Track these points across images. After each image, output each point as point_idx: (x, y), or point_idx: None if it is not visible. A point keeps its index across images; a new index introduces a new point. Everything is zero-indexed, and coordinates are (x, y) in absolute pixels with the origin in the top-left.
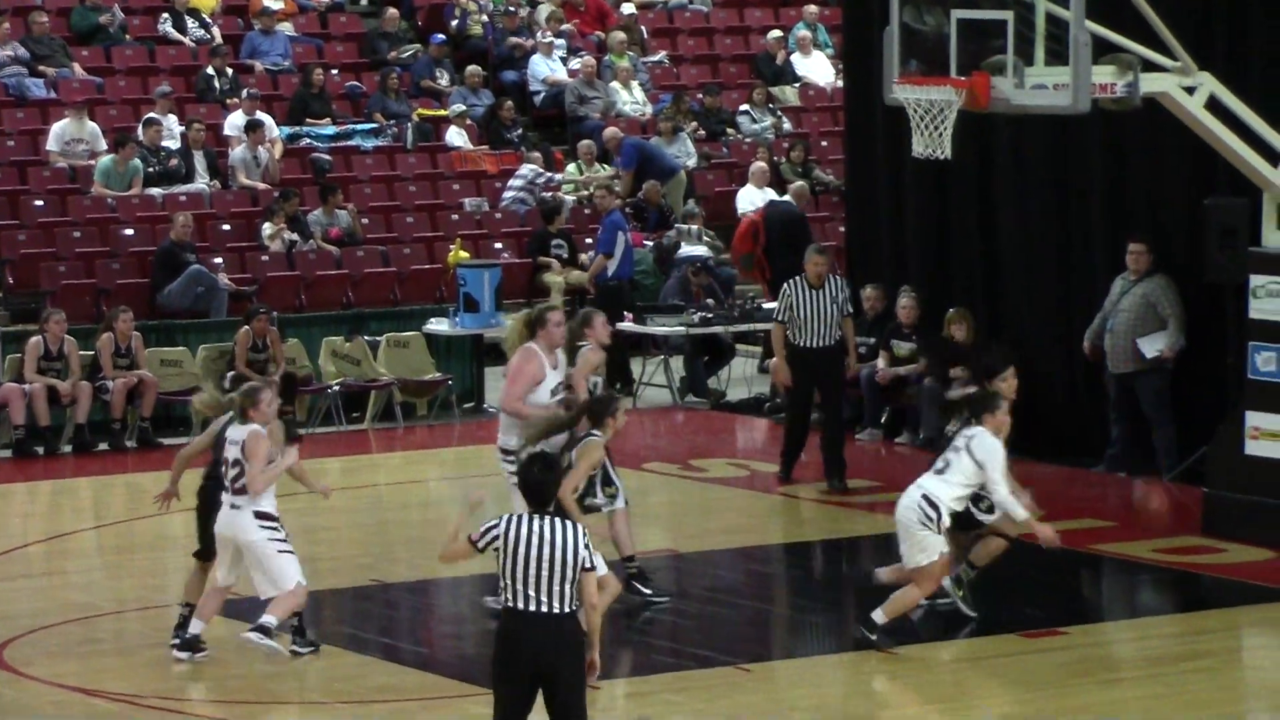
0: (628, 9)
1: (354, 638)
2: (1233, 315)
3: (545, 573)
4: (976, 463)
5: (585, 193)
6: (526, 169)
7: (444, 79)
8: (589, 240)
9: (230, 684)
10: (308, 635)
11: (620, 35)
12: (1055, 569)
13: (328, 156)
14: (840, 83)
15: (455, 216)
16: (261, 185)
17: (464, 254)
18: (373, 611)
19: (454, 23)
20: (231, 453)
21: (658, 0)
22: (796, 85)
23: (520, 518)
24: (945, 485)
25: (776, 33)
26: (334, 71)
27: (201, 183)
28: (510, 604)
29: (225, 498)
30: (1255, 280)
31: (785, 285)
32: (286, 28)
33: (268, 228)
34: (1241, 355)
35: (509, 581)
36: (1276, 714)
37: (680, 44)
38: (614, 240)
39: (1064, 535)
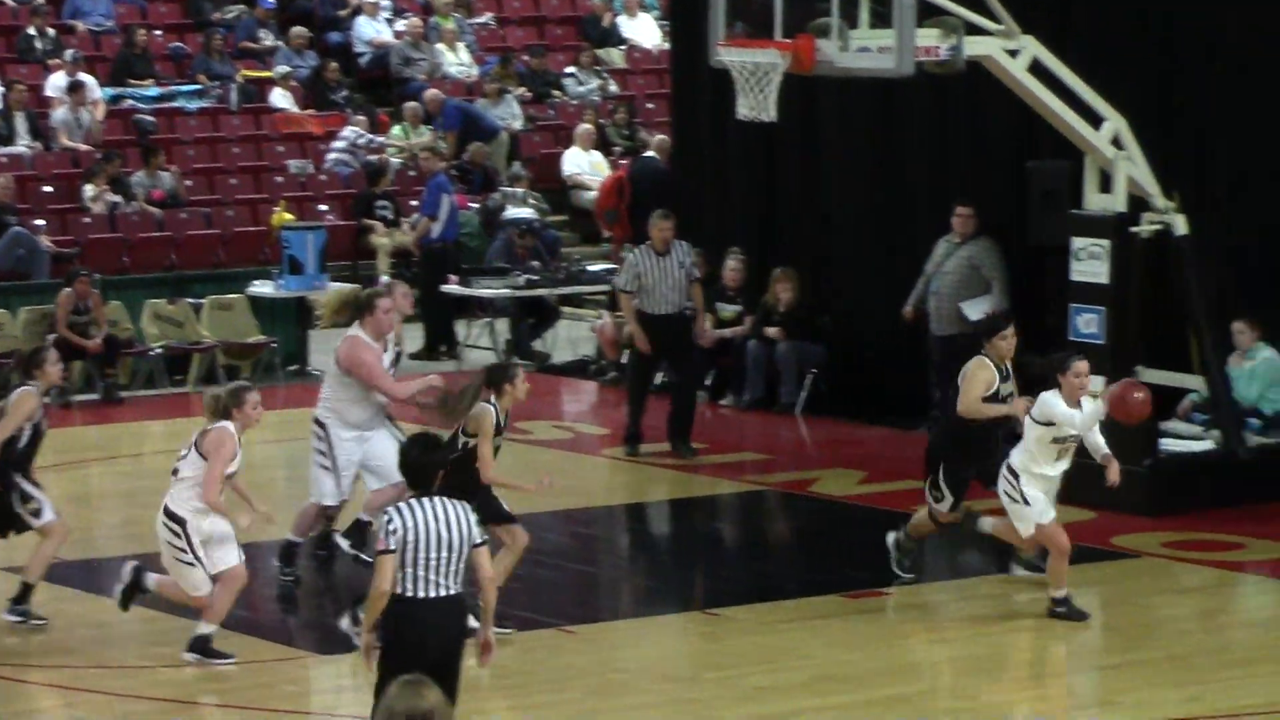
0: None
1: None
2: (1054, 277)
3: (445, 555)
4: (1039, 423)
5: (410, 155)
6: (349, 131)
7: (269, 40)
8: (414, 203)
9: (52, 648)
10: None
11: None
12: (879, 530)
13: (151, 118)
14: (666, 45)
15: (279, 179)
16: (84, 147)
17: (288, 216)
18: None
19: None
20: (189, 440)
21: None
22: (622, 48)
23: (411, 505)
24: (1018, 451)
25: None
26: (157, 32)
27: (23, 144)
28: (409, 592)
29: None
30: (1076, 243)
31: (631, 254)
32: None
33: (90, 189)
34: (1063, 317)
35: (409, 569)
36: (1093, 672)
37: (506, 6)
38: (439, 202)
39: (888, 497)
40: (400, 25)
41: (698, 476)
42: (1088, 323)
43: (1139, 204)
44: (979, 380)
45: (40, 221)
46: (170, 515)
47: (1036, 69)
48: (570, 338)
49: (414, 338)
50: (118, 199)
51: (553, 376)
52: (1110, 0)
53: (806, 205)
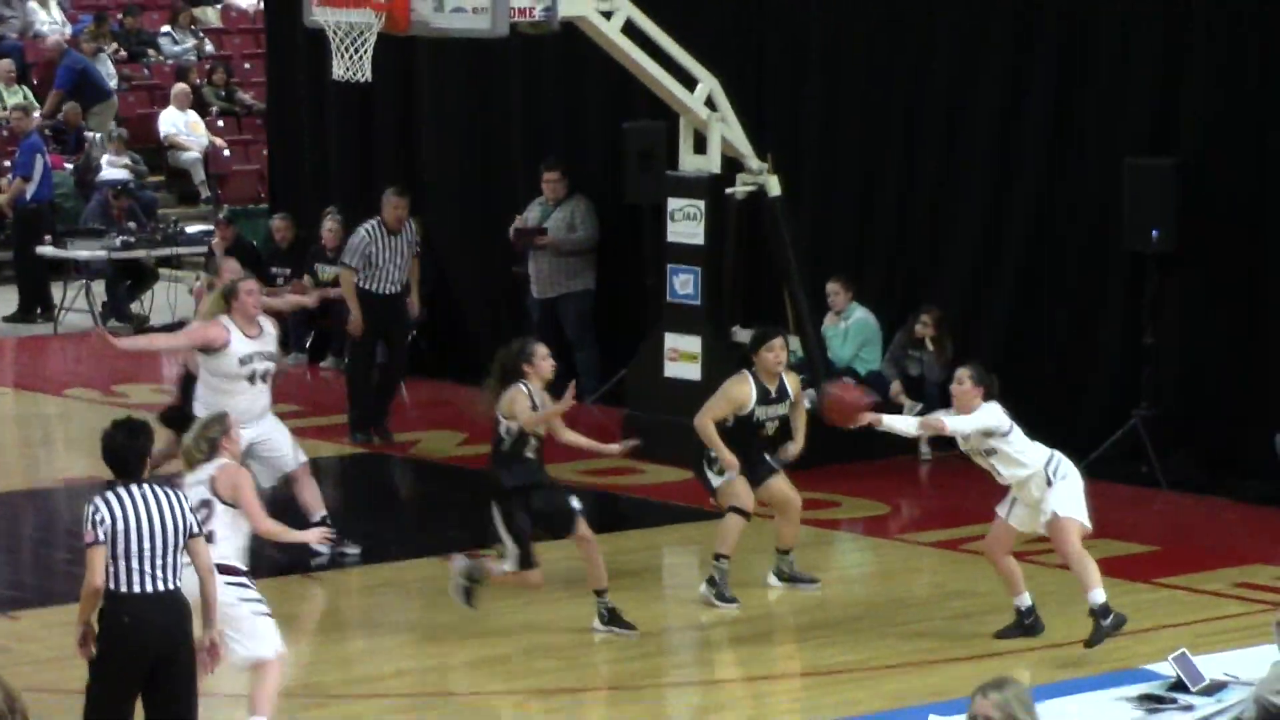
0: None
1: None
2: (650, 238)
3: (157, 545)
4: None
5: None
6: None
7: None
8: (7, 164)
9: None
10: None
11: None
12: (479, 492)
13: None
14: (261, 5)
15: None
16: None
17: None
18: None
19: None
20: (197, 494)
21: None
22: (218, 7)
23: (117, 493)
24: None
25: None
26: None
27: None
28: (118, 587)
29: None
30: (673, 204)
31: (361, 230)
32: None
33: None
34: (661, 278)
35: (118, 562)
36: (692, 630)
37: None
38: (32, 163)
39: (481, 460)
40: None
41: (303, 440)
42: (684, 284)
43: (733, 165)
44: (728, 398)
45: None
46: (230, 571)
47: (630, 30)
48: (169, 300)
49: (9, 301)
50: None
51: None
52: None
53: (404, 166)
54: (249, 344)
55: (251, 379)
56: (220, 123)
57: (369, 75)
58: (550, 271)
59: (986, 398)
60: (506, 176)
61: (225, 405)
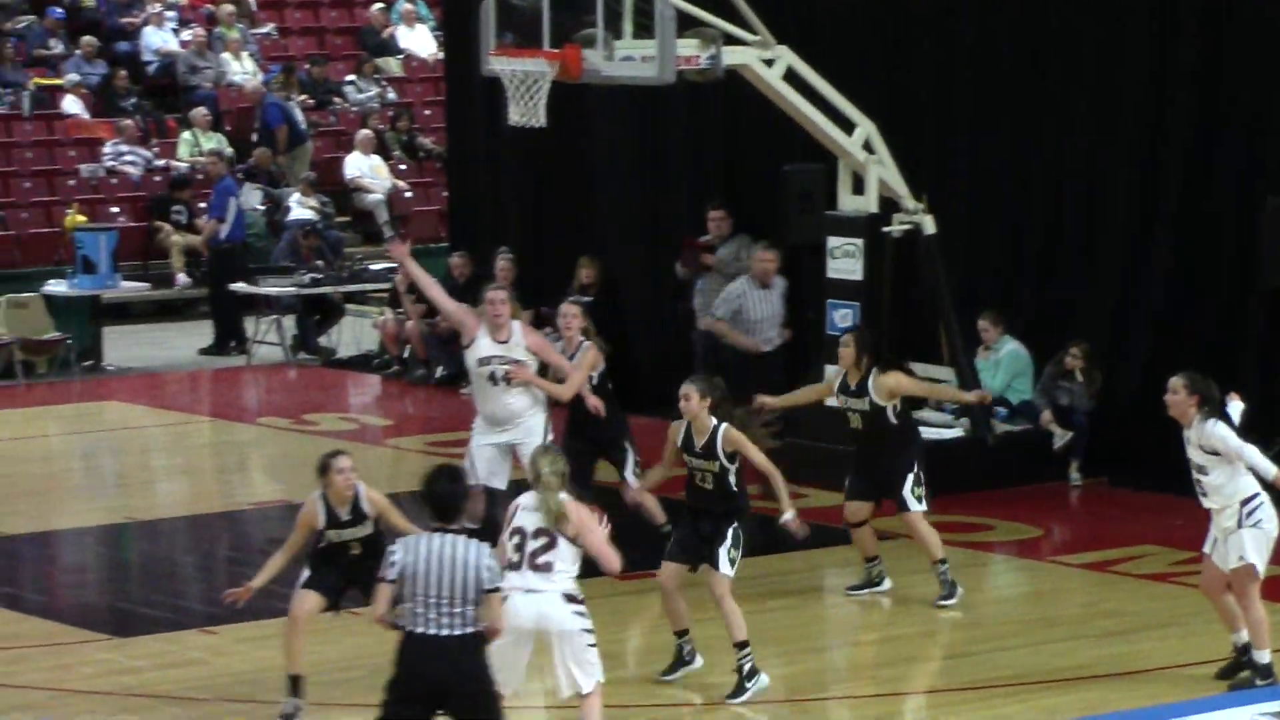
0: None
1: None
2: (811, 275)
3: (446, 594)
4: None
5: (199, 159)
6: (127, 136)
7: (59, 49)
8: (203, 205)
9: None
10: None
11: (229, 7)
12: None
13: None
14: (441, 54)
15: (72, 182)
16: None
17: (81, 218)
18: None
19: None
20: (529, 521)
21: None
22: (400, 57)
23: (421, 539)
24: None
25: (380, 6)
26: None
27: None
28: (410, 626)
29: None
30: (832, 242)
31: (735, 284)
32: None
33: None
34: (821, 312)
35: (410, 603)
36: (850, 647)
37: (288, 17)
38: (226, 205)
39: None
40: (186, 35)
41: None
42: (843, 317)
43: (890, 205)
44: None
45: None
46: (573, 599)
47: (791, 77)
48: (355, 334)
49: (205, 334)
50: None
51: (338, 370)
52: (855, 10)
53: (574, 206)
54: (492, 347)
55: (492, 379)
56: (402, 166)
57: (543, 121)
58: (713, 305)
59: (1202, 406)
60: (673, 216)
61: (480, 404)
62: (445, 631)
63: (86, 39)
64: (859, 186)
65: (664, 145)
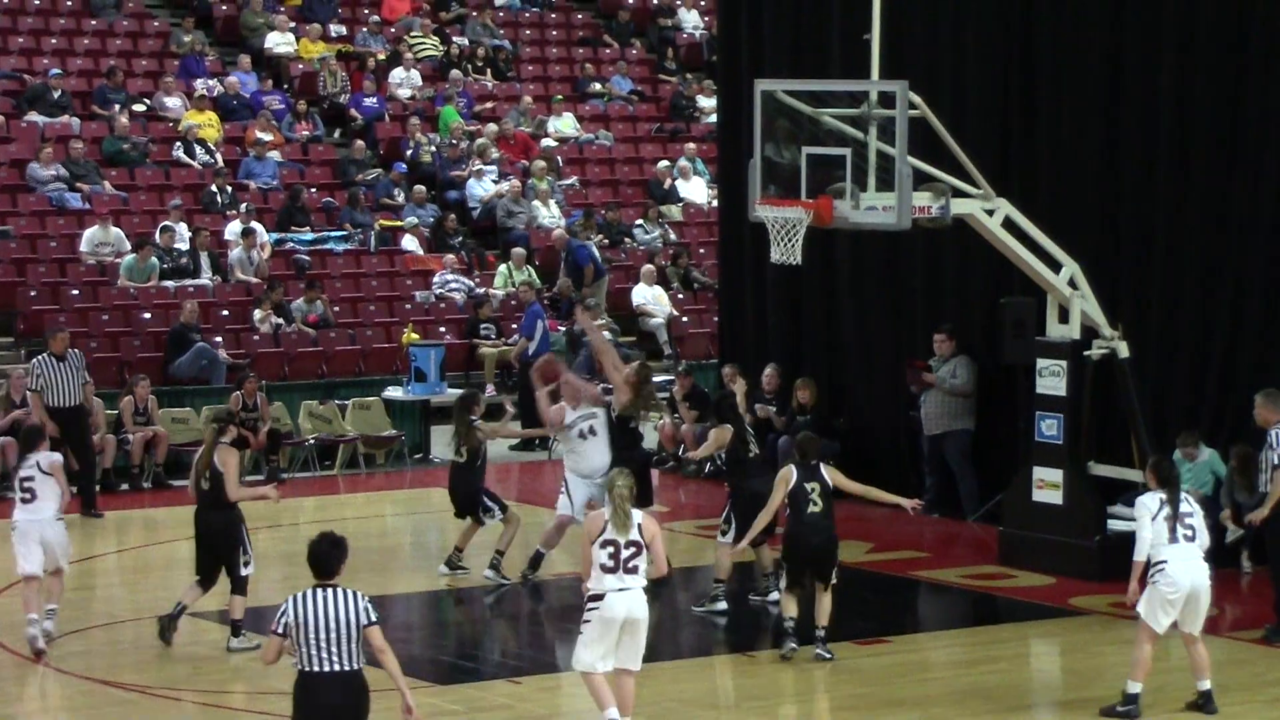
0: (548, 143)
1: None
2: (1023, 390)
3: (333, 636)
4: None
5: (512, 289)
6: (453, 268)
7: (400, 197)
8: (514, 325)
9: (221, 677)
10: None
11: (541, 163)
12: (882, 590)
13: (307, 257)
14: (715, 203)
15: (408, 306)
16: (254, 279)
17: (415, 336)
18: None
19: (409, 152)
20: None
21: (571, 136)
22: (680, 204)
23: (305, 594)
24: None
25: (665, 163)
26: (313, 190)
27: (206, 278)
28: (304, 667)
29: (615, 580)
30: (1041, 363)
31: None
32: (275, 155)
33: (258, 314)
34: (1030, 422)
35: (303, 648)
36: (1056, 707)
37: (589, 171)
38: (534, 326)
39: (887, 564)
40: (504, 185)
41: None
42: (1049, 426)
43: (1090, 332)
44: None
45: (219, 339)
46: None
47: (1008, 224)
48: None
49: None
50: (280, 321)
51: None
52: (1068, 166)
53: (826, 330)
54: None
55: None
56: (680, 296)
57: (799, 259)
58: (937, 413)
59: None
60: (908, 338)
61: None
62: (335, 668)
63: (420, 188)
64: (1064, 316)
65: (904, 280)
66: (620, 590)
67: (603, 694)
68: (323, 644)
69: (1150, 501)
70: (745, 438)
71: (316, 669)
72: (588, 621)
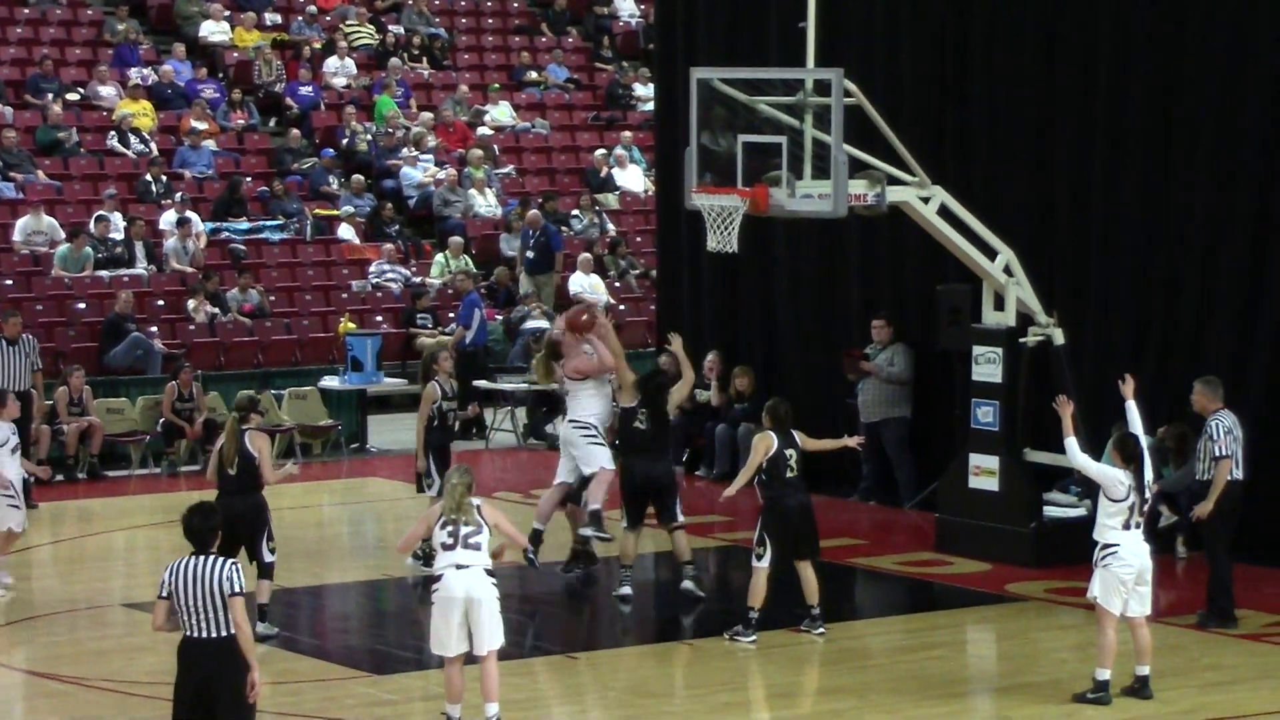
0: (484, 131)
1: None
2: (960, 378)
3: (205, 603)
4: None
5: (449, 277)
6: (389, 257)
7: (335, 185)
8: (451, 315)
9: (159, 668)
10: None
11: (478, 151)
12: (819, 577)
13: (242, 246)
14: (651, 191)
15: (344, 295)
16: (189, 269)
17: (351, 325)
18: (276, 611)
19: (344, 141)
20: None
21: (507, 125)
22: (616, 193)
23: (180, 562)
24: None
25: (601, 151)
26: (248, 179)
27: (141, 267)
28: (185, 631)
29: (449, 556)
30: (976, 350)
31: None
32: (210, 144)
33: (193, 303)
34: (966, 409)
35: (180, 613)
36: (994, 693)
37: (525, 159)
38: (471, 315)
39: (825, 551)
40: (441, 174)
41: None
42: (985, 414)
43: (1026, 319)
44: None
45: (154, 329)
46: (491, 574)
47: (944, 211)
48: None
49: None
50: (216, 311)
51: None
52: (1003, 153)
53: (761, 317)
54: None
55: None
56: (616, 284)
57: (736, 247)
58: (874, 401)
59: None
60: (844, 325)
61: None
62: (208, 634)
63: (357, 177)
64: (1000, 304)
65: (838, 267)
66: (458, 568)
67: (452, 686)
68: (195, 610)
69: (1120, 481)
70: (636, 417)
71: (193, 635)
72: (432, 604)
